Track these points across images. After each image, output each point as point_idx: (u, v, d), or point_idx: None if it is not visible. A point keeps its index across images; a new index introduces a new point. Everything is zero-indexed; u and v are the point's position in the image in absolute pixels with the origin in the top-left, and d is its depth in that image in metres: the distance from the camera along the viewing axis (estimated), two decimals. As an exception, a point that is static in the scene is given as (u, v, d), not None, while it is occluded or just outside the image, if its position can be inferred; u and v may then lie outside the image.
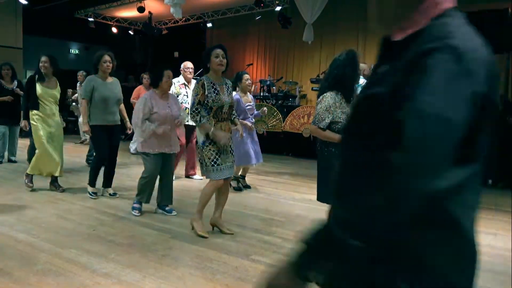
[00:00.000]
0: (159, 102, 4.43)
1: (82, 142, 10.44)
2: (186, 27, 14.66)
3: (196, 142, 4.29)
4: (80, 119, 5.18)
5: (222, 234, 3.97)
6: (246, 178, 6.16)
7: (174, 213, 4.59)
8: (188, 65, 6.48)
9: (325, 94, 3.24)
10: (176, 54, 13.41)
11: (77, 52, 16.14)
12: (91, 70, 5.41)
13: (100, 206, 4.84)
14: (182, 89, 6.36)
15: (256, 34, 14.72)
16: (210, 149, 3.80)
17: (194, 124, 4.18)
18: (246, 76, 5.85)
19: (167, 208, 4.62)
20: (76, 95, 10.24)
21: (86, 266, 3.14)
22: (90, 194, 5.19)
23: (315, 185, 3.48)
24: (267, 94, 11.84)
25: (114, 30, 14.68)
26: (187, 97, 6.24)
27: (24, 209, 4.59)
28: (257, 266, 3.25)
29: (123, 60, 14.30)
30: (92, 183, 5.24)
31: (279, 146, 9.81)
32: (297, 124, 9.52)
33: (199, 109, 3.77)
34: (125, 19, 14.87)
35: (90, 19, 13.84)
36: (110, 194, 5.27)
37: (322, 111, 3.21)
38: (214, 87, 3.79)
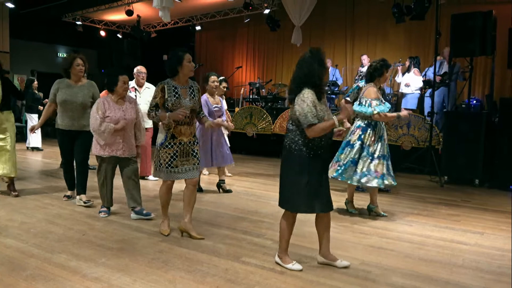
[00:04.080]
0: (112, 106, 4.43)
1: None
2: (175, 30, 14.66)
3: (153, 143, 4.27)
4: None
5: (213, 237, 3.98)
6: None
7: (133, 216, 4.54)
8: (141, 70, 6.44)
9: (303, 91, 3.12)
10: (165, 57, 13.37)
11: (65, 55, 16.02)
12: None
13: (90, 210, 4.82)
14: (132, 92, 6.25)
15: (245, 37, 14.77)
16: (166, 152, 3.86)
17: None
18: (213, 78, 5.67)
19: (136, 209, 4.58)
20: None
21: (76, 271, 3.13)
22: (64, 196, 5.30)
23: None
24: (256, 96, 11.88)
25: (102, 33, 14.63)
26: None
27: (12, 215, 4.56)
28: (247, 268, 3.27)
29: (111, 64, 14.28)
30: (67, 186, 5.32)
31: (269, 148, 9.85)
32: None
33: (154, 110, 3.86)
34: (113, 22, 14.83)
35: (78, 23, 13.78)
36: (84, 202, 4.95)
37: (310, 107, 3.06)
38: (176, 91, 3.83)
